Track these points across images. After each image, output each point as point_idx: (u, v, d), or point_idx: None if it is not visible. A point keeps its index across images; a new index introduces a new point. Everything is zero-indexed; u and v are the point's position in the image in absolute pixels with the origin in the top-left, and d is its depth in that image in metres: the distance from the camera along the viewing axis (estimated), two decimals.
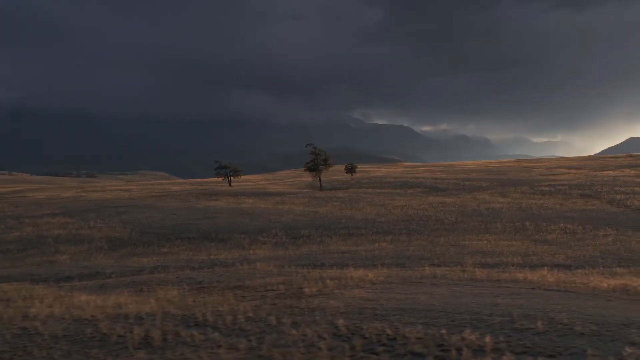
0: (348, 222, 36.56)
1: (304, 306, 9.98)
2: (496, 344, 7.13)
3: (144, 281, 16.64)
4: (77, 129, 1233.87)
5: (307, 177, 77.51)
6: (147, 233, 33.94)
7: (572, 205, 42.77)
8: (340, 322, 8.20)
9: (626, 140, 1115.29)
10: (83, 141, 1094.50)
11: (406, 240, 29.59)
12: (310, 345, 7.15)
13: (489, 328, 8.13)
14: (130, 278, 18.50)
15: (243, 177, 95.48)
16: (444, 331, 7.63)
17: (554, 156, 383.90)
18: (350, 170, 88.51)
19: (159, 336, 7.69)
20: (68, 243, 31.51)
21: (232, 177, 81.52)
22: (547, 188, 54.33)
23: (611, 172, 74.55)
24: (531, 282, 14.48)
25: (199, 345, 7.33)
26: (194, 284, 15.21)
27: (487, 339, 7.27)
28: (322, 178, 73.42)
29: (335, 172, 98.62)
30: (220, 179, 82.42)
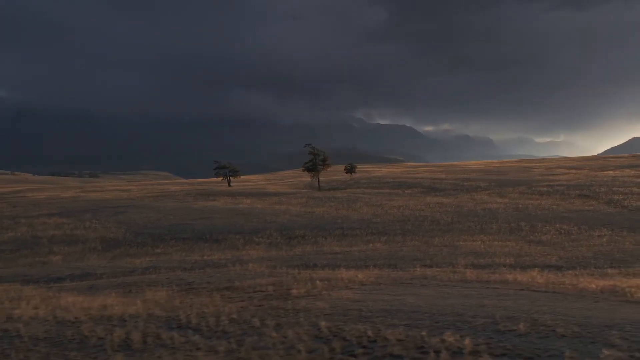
0: (344, 222, 36.52)
1: (289, 307, 9.99)
2: (476, 345, 7.16)
3: (134, 282, 16.67)
4: (80, 129, 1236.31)
5: (307, 178, 77.57)
6: (142, 233, 33.90)
7: (569, 205, 42.69)
8: (323, 323, 8.22)
9: (629, 140, 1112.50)
10: (86, 141, 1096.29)
11: (400, 241, 29.56)
12: (290, 348, 7.17)
13: (471, 330, 8.15)
14: (120, 279, 18.53)
15: (243, 177, 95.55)
16: (424, 333, 7.64)
17: (557, 156, 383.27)
18: (350, 170, 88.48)
19: (139, 338, 7.70)
20: (62, 243, 31.47)
21: (231, 177, 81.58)
22: (545, 188, 54.27)
23: (611, 172, 74.37)
24: (520, 283, 14.48)
25: (178, 348, 7.34)
26: (183, 285, 15.23)
27: (467, 341, 7.29)
28: (321, 178, 73.39)
29: (336, 172, 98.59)
30: (220, 179, 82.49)
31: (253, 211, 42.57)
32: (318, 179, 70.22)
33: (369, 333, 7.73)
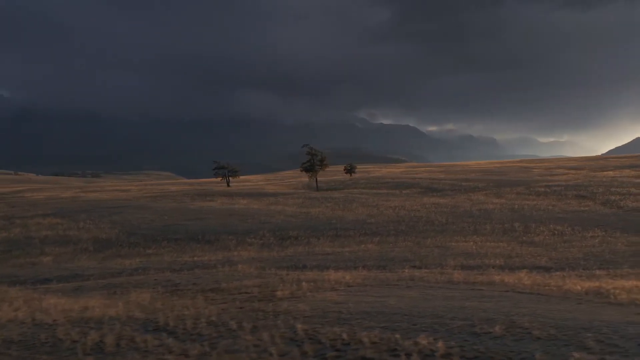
0: (338, 223, 36.52)
1: (270, 310, 9.98)
2: (449, 348, 7.14)
3: (121, 283, 16.69)
4: (83, 129, 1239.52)
5: (307, 178, 77.65)
6: (135, 234, 33.91)
7: (565, 206, 42.61)
8: (299, 326, 8.19)
9: (633, 140, 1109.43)
10: (89, 141, 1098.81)
11: (393, 242, 29.54)
12: (262, 351, 7.15)
13: (447, 332, 8.14)
14: (108, 280, 18.57)
15: (244, 177, 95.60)
16: (398, 335, 7.62)
17: (561, 156, 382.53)
18: (350, 170, 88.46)
19: (113, 342, 7.67)
20: (54, 244, 31.47)
21: (230, 178, 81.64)
22: (542, 189, 54.15)
23: (610, 172, 74.27)
24: (506, 284, 14.47)
25: (151, 351, 7.32)
26: (169, 286, 15.23)
27: (440, 344, 7.26)
28: (321, 178, 73.40)
29: (336, 173, 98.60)
30: (219, 179, 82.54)
31: (248, 211, 42.58)
32: (316, 179, 70.22)
33: (344, 336, 7.71)
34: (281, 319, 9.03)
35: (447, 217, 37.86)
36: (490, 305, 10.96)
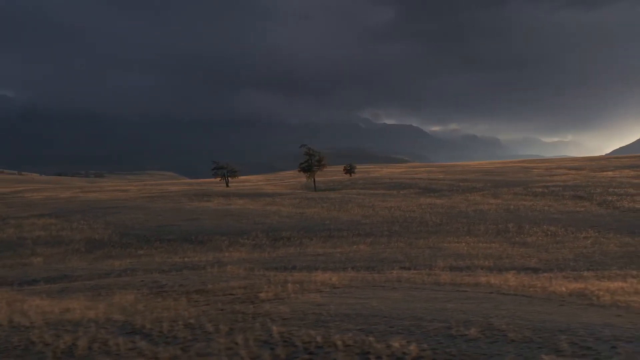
0: (332, 223, 36.43)
1: (250, 312, 9.93)
2: (421, 351, 7.10)
3: (107, 285, 16.62)
4: (87, 129, 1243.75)
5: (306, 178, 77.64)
6: (128, 235, 33.88)
7: (562, 207, 42.44)
8: (275, 329, 8.16)
9: (638, 139, 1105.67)
10: (93, 141, 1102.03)
11: (385, 243, 29.45)
12: (234, 354, 7.11)
13: (422, 335, 8.11)
14: (95, 282, 18.52)
15: (245, 177, 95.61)
16: (372, 338, 7.59)
17: (564, 156, 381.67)
18: (350, 170, 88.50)
19: (85, 345, 7.61)
20: (46, 245, 31.45)
21: (229, 178, 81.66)
22: (540, 189, 53.97)
23: (610, 172, 74.00)
24: (492, 286, 14.42)
25: (122, 355, 7.26)
26: (155, 287, 15.17)
27: (413, 346, 7.25)
28: (321, 178, 73.35)
29: (336, 173, 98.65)
30: (219, 179, 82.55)
31: (243, 212, 42.55)
32: (314, 179, 70.16)
33: (318, 339, 7.66)
34: (259, 321, 8.99)
35: (442, 218, 37.75)
36: (472, 307, 10.92)
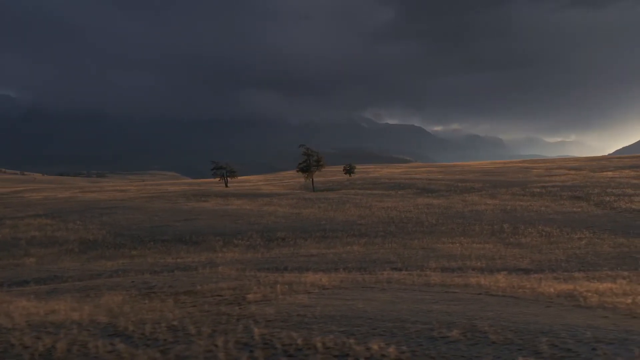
0: (327, 224, 36.33)
1: (236, 313, 9.91)
2: (401, 353, 7.13)
3: (97, 286, 16.59)
4: (91, 129, 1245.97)
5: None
6: (122, 235, 33.81)
7: (559, 207, 42.27)
8: (257, 330, 8.15)
9: None
10: (96, 141, 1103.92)
11: (379, 243, 29.36)
12: (212, 357, 7.10)
13: (404, 337, 8.11)
14: (85, 282, 18.48)
15: (245, 177, 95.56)
16: (352, 340, 7.59)
17: (567, 156, 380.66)
18: (349, 171, 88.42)
19: (64, 347, 7.58)
20: (40, 245, 31.40)
21: (228, 178, 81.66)
22: (538, 190, 53.73)
23: (610, 173, 73.71)
24: (481, 287, 14.36)
25: (101, 357, 7.23)
26: (144, 288, 15.13)
27: (392, 349, 7.27)
28: (320, 179, 73.29)
29: (336, 173, 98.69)
30: (218, 179, 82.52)
31: (240, 212, 42.50)
32: (312, 179, 70.08)
33: (299, 341, 7.69)
34: (243, 323, 8.97)
35: (438, 218, 37.62)
36: (458, 309, 10.89)
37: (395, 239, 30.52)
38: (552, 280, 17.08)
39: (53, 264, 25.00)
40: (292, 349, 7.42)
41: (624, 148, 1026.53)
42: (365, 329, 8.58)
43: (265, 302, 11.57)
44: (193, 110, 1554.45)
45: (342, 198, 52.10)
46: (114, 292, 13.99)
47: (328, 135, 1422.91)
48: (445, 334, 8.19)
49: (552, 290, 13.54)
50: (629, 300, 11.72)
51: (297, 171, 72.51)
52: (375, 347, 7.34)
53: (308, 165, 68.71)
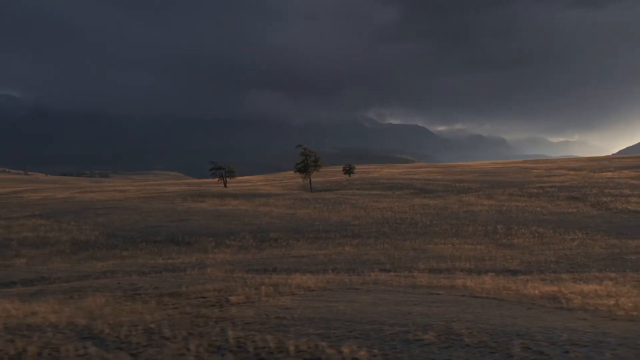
0: (321, 225, 36.27)
1: (215, 316, 9.84)
2: (372, 356, 7.05)
3: (83, 287, 16.53)
4: (95, 129, 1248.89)
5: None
6: (115, 236, 33.77)
7: (554, 208, 42.10)
8: (231, 333, 8.11)
9: None
10: (100, 141, 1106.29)
11: (372, 244, 29.28)
12: None
13: (378, 340, 8.05)
14: (72, 284, 18.43)
15: (246, 177, 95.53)
16: (325, 343, 7.54)
17: (570, 156, 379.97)
18: (348, 171, 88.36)
19: (35, 351, 7.53)
20: (31, 246, 31.37)
21: (227, 178, 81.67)
22: (535, 190, 53.48)
23: (609, 173, 73.33)
24: (467, 288, 14.26)
25: None
26: (129, 290, 15.07)
27: (363, 352, 7.21)
28: (320, 179, 73.18)
29: (336, 173, 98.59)
30: (217, 180, 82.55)
31: (235, 213, 42.49)
32: (310, 179, 70.03)
33: (272, 344, 7.63)
34: (221, 325, 8.91)
35: (432, 219, 37.51)
36: (438, 311, 10.82)
37: (388, 240, 30.42)
38: (538, 281, 16.97)
39: (43, 265, 24.91)
40: (265, 352, 7.37)
41: (627, 148, 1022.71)
42: (342, 332, 8.51)
43: (248, 304, 11.50)
44: (196, 110, 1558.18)
45: (339, 198, 52.01)
46: (99, 294, 13.92)
47: (331, 135, 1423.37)
48: (421, 336, 8.12)
49: (536, 292, 13.44)
50: (612, 302, 11.60)
51: (295, 171, 72.48)
52: (346, 350, 7.29)
53: (306, 165, 68.67)
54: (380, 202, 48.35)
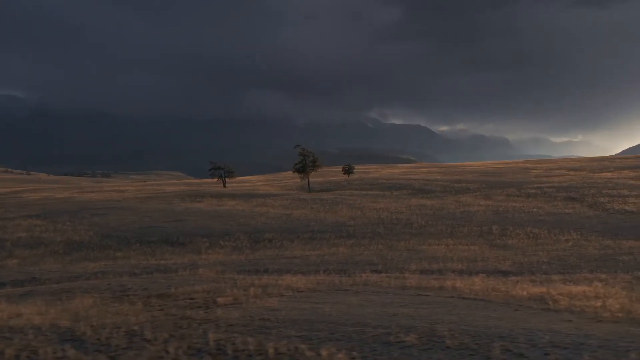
0: (317, 225, 36.20)
1: (199, 318, 9.80)
2: (351, 359, 7.08)
3: (72, 288, 16.47)
4: (98, 129, 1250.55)
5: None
6: (109, 236, 33.72)
7: (551, 208, 41.96)
8: (212, 336, 8.09)
9: None
10: (103, 141, 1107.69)
11: (366, 245, 29.23)
12: None
13: (360, 342, 8.04)
14: (62, 285, 18.36)
15: (247, 177, 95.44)
16: (304, 346, 7.53)
17: (573, 156, 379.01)
18: (348, 171, 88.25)
19: (12, 354, 7.50)
20: (25, 247, 31.31)
21: (227, 178, 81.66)
22: (533, 190, 53.25)
23: (609, 173, 73.01)
24: (456, 289, 14.21)
25: None
26: (118, 291, 15.00)
27: (341, 354, 7.20)
28: (319, 179, 73.10)
29: (336, 173, 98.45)
30: (216, 180, 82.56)
31: (231, 213, 42.45)
32: (308, 180, 69.94)
33: (252, 347, 7.62)
34: (204, 327, 8.88)
35: (428, 220, 37.40)
36: (424, 312, 10.79)
37: (382, 241, 30.36)
38: (528, 283, 16.91)
39: (35, 265, 24.84)
40: (244, 355, 7.35)
41: (631, 148, 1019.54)
42: (324, 334, 8.50)
43: (235, 305, 11.47)
44: (199, 110, 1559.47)
45: (337, 199, 51.92)
46: (87, 295, 13.87)
47: (333, 136, 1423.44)
48: (402, 338, 8.12)
49: (524, 293, 13.41)
50: (599, 304, 11.56)
51: (293, 172, 72.45)
52: (325, 353, 7.27)
53: (304, 165, 68.61)
54: (378, 203, 48.25)
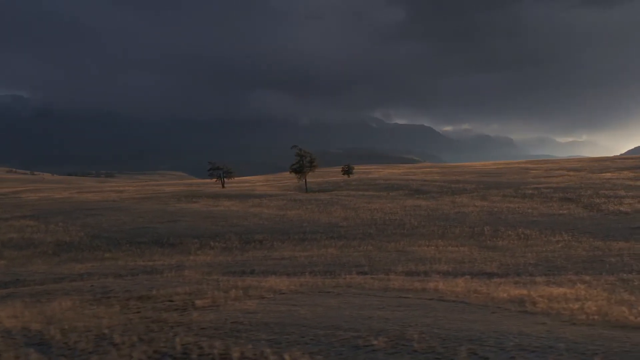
0: (309, 226, 36.11)
1: (173, 320, 9.79)
2: None
3: (55, 290, 16.49)
4: (101, 129, 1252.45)
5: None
6: (99, 237, 33.65)
7: (546, 209, 41.70)
8: (179, 340, 8.07)
9: None
10: (107, 141, 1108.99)
11: (356, 246, 29.13)
12: None
13: (327, 345, 8.07)
14: (45, 286, 18.35)
15: (247, 177, 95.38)
16: (269, 350, 7.54)
17: (578, 156, 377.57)
18: (347, 171, 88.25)
19: None
20: (14, 248, 31.28)
21: (225, 178, 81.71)
22: (530, 191, 52.90)
23: (609, 174, 72.53)
24: (438, 291, 14.19)
25: None
26: (99, 293, 14.99)
27: (306, 359, 7.20)
28: (318, 179, 73.00)
29: (336, 173, 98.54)
30: (214, 180, 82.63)
31: (225, 214, 42.38)
32: (305, 180, 69.87)
33: (216, 351, 7.64)
34: (174, 331, 8.88)
35: (421, 221, 37.22)
36: (400, 315, 10.79)
37: (373, 242, 30.26)
38: (511, 284, 16.86)
39: (22, 266, 24.84)
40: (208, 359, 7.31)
41: (636, 148, 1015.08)
42: (294, 337, 8.51)
43: (213, 307, 11.47)
44: (203, 110, 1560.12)
45: (332, 199, 51.80)
46: (67, 297, 13.88)
47: (337, 135, 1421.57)
48: (371, 342, 8.16)
49: (505, 295, 13.39)
50: (577, 306, 11.52)
51: (290, 172, 72.42)
52: (288, 357, 7.23)
53: (301, 166, 68.56)
54: (372, 203, 48.10)
